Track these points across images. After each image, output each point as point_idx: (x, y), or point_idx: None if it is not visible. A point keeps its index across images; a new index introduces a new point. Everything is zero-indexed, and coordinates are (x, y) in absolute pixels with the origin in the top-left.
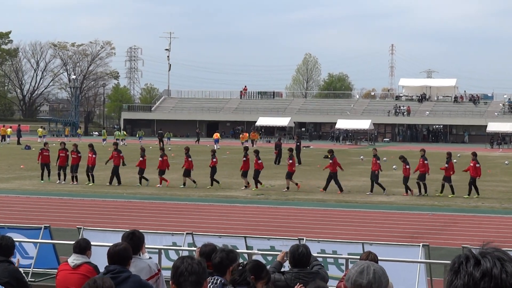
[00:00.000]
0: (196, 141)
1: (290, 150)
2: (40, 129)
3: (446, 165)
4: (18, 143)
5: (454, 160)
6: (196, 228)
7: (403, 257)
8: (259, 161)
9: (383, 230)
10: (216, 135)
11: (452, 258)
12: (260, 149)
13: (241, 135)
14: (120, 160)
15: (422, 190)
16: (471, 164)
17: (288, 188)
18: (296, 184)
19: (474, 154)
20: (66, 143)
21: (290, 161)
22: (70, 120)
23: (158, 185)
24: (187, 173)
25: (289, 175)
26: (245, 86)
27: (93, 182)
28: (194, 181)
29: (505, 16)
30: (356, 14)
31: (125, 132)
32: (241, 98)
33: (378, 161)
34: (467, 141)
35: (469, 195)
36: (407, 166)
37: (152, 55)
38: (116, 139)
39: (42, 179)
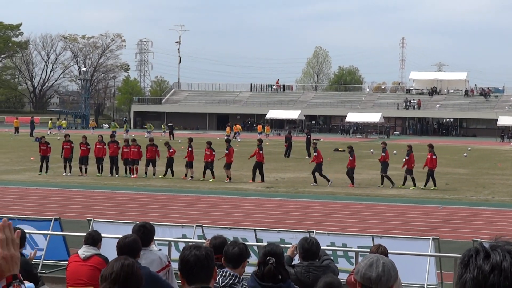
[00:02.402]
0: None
1: (314, 143)
2: (50, 121)
3: (407, 157)
4: (31, 135)
5: (464, 154)
6: (206, 221)
7: (413, 251)
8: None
9: (393, 223)
10: (237, 128)
11: (462, 252)
12: (270, 142)
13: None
14: (118, 151)
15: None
16: (428, 156)
17: (329, 181)
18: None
19: (431, 146)
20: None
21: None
22: (81, 113)
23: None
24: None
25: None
26: (278, 80)
27: (100, 173)
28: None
29: None
30: (367, 7)
31: (116, 123)
32: (276, 91)
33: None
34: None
35: (425, 186)
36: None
37: (163, 48)
38: (113, 131)
39: (40, 172)
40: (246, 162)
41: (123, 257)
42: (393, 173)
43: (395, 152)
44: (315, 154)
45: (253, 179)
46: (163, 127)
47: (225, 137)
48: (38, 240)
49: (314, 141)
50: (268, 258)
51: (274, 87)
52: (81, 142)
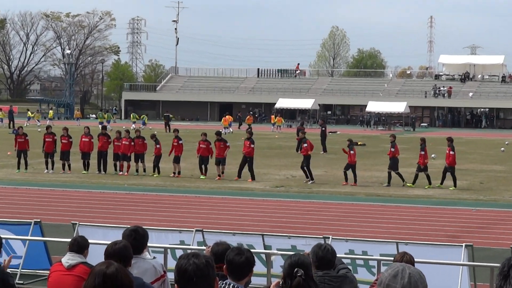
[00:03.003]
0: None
1: (303, 133)
2: (29, 112)
3: (422, 152)
4: (11, 126)
5: (502, 148)
6: (207, 225)
7: (443, 259)
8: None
9: (420, 228)
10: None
11: (499, 260)
12: (280, 135)
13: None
14: (108, 146)
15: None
16: (447, 152)
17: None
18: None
19: (450, 140)
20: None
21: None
22: (64, 101)
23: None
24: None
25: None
26: (298, 64)
27: (87, 170)
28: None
29: None
30: None
31: (103, 114)
32: (298, 76)
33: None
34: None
35: (441, 184)
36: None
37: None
38: (100, 122)
39: (18, 169)
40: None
41: (107, 262)
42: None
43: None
44: (305, 145)
45: (252, 178)
46: (132, 116)
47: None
48: (16, 247)
49: (302, 130)
50: (296, 270)
51: (296, 71)
52: (61, 134)
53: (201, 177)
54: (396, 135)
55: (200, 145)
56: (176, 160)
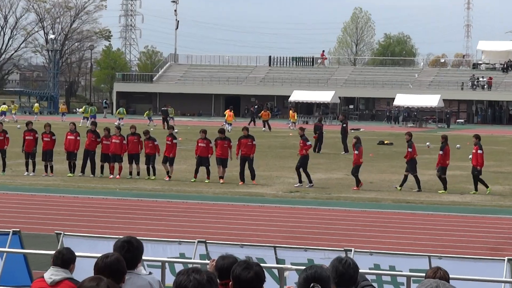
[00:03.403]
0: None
1: (302, 129)
2: (3, 106)
3: (441, 152)
4: None
5: None
6: (211, 235)
7: (483, 275)
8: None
9: (455, 240)
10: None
11: None
12: (295, 132)
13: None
14: (96, 145)
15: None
16: (473, 151)
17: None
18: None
19: (477, 137)
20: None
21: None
22: (47, 93)
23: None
24: (169, 160)
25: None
26: (323, 52)
27: (73, 172)
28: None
29: None
30: None
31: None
32: (318, 65)
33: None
34: None
35: (476, 190)
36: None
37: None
38: (84, 118)
39: None
40: (264, 158)
41: (96, 279)
42: (457, 172)
43: (458, 146)
44: (308, 143)
45: (253, 178)
46: (119, 112)
47: (293, 125)
48: None
49: (301, 127)
50: (312, 285)
51: (318, 60)
52: (43, 132)
53: (206, 180)
54: (412, 133)
55: (199, 144)
56: (170, 162)
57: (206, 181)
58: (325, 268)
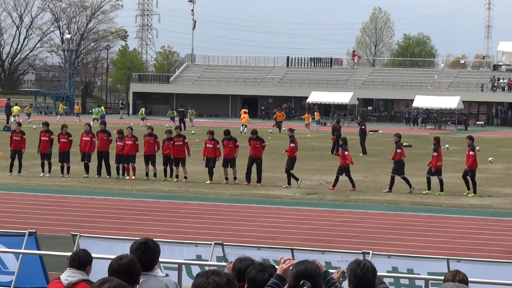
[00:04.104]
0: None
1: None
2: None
3: (435, 153)
4: (9, 122)
5: None
6: (228, 237)
7: (502, 278)
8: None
9: (474, 243)
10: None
11: None
12: (313, 134)
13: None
14: (109, 145)
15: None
16: (466, 152)
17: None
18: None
19: (470, 138)
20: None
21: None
22: (63, 93)
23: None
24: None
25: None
26: (354, 52)
27: (88, 173)
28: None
29: None
30: None
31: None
32: (352, 65)
33: (398, 150)
34: None
35: (468, 190)
36: (471, 153)
37: (171, 9)
38: (94, 119)
39: (10, 171)
40: (281, 160)
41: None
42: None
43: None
44: (292, 145)
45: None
46: (141, 112)
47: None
48: (8, 261)
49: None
50: (302, 282)
51: (353, 59)
52: (59, 133)
53: (207, 181)
54: (401, 135)
55: (207, 145)
56: (182, 162)
57: (207, 182)
58: (316, 264)
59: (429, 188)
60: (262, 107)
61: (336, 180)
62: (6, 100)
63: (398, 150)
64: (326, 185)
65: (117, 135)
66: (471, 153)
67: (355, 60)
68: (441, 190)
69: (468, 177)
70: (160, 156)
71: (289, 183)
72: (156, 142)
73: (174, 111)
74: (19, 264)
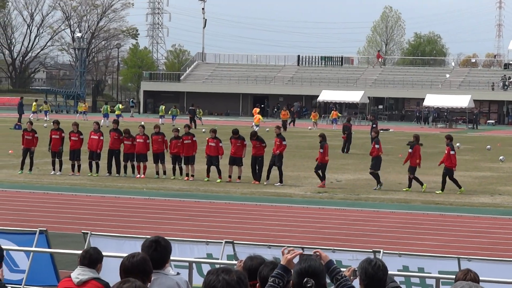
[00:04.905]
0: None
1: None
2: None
3: (410, 150)
4: (21, 120)
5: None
6: (238, 236)
7: None
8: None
9: (486, 242)
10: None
11: None
12: (326, 132)
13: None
14: (120, 144)
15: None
16: (446, 151)
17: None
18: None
19: (449, 138)
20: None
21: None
22: (74, 92)
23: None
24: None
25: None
26: (378, 52)
27: (92, 172)
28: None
29: None
30: None
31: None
32: (380, 66)
33: (376, 145)
34: None
35: (442, 190)
36: (452, 152)
37: (182, 8)
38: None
39: (21, 169)
40: (291, 158)
41: (131, 280)
42: (487, 174)
43: (488, 147)
44: (284, 143)
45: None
46: (161, 110)
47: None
48: (18, 259)
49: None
50: (306, 279)
51: (379, 60)
52: (71, 131)
53: (217, 180)
54: (379, 131)
55: (209, 143)
56: (191, 160)
57: (218, 180)
58: (320, 262)
59: (409, 186)
60: (274, 108)
61: (319, 176)
62: (19, 98)
63: (377, 146)
64: (337, 184)
65: (124, 134)
66: (451, 152)
67: (380, 60)
68: (409, 186)
69: (447, 177)
70: (169, 155)
71: (281, 181)
72: (164, 141)
73: (178, 109)
74: (30, 262)
